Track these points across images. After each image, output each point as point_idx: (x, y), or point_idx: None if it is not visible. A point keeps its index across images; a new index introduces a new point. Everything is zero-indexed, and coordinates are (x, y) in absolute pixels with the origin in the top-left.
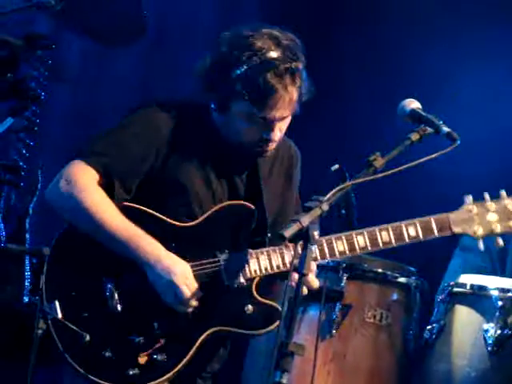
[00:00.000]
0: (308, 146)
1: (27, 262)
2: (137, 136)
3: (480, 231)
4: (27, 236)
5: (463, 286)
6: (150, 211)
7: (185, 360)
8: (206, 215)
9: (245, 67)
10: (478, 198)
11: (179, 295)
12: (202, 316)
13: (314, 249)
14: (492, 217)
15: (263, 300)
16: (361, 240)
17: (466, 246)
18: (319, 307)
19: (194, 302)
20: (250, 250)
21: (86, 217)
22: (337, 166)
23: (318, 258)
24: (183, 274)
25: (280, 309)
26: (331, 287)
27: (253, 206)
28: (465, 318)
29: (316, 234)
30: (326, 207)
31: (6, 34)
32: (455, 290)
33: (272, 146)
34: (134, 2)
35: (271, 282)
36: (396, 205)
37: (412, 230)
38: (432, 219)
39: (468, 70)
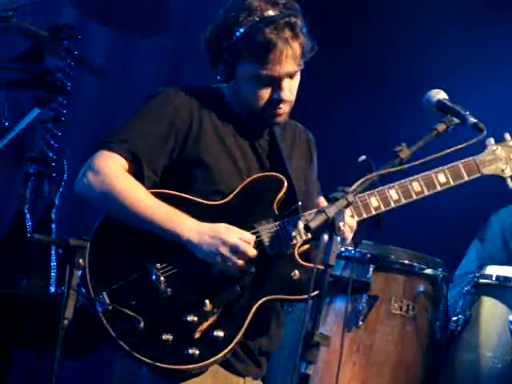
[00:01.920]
0: (333, 137)
1: (53, 252)
2: (157, 118)
3: (508, 170)
4: (53, 226)
5: (489, 277)
6: (179, 194)
7: (241, 333)
8: (236, 190)
9: (243, 28)
10: (500, 140)
11: (235, 248)
12: (252, 288)
13: (340, 240)
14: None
15: (307, 264)
16: (393, 193)
17: (483, 237)
18: (346, 298)
19: (251, 250)
20: (287, 218)
21: (119, 204)
22: (363, 157)
23: (355, 216)
24: (228, 229)
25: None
26: (357, 278)
27: (281, 176)
28: (490, 309)
29: (341, 224)
30: (351, 198)
31: (31, 25)
32: (481, 281)
33: (284, 107)
34: None
35: (311, 246)
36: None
37: (442, 177)
38: (460, 164)
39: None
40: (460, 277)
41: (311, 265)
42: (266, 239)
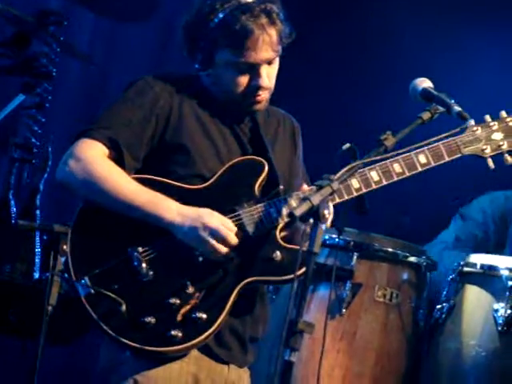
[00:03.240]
0: (318, 125)
1: (37, 238)
2: (137, 105)
3: (488, 150)
4: (37, 212)
5: (473, 265)
6: (160, 179)
7: (223, 315)
8: (217, 174)
9: (220, 15)
10: (480, 122)
11: (216, 234)
12: (233, 269)
13: (324, 228)
14: (497, 135)
15: (289, 245)
16: (374, 174)
17: (463, 215)
18: (329, 286)
19: (235, 238)
20: (268, 201)
21: (101, 190)
22: (348, 145)
23: (336, 198)
24: (211, 214)
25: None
26: (341, 266)
27: (262, 159)
28: (475, 297)
29: (326, 212)
30: (336, 186)
31: (17, 11)
32: (465, 269)
33: (264, 94)
34: None
35: (292, 228)
36: (406, 183)
37: (423, 158)
38: (440, 144)
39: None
40: (434, 244)
41: (293, 246)
42: (247, 221)
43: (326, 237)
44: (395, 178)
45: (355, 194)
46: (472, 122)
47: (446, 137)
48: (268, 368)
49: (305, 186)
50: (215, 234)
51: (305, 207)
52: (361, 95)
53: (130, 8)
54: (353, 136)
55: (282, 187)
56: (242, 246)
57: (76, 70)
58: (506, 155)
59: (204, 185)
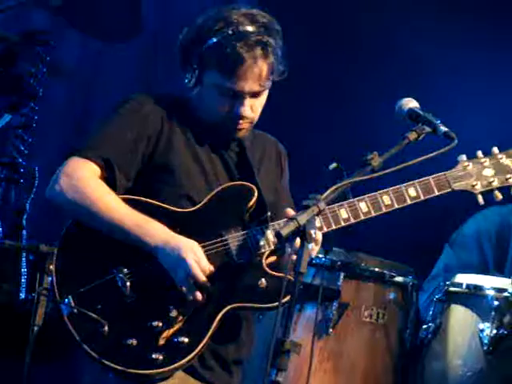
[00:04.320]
0: (306, 144)
1: (24, 258)
2: (128, 124)
3: (478, 186)
4: (24, 232)
5: (459, 285)
6: (150, 201)
7: (205, 340)
8: (207, 198)
9: (217, 37)
10: (472, 157)
11: (188, 270)
12: (218, 295)
13: (311, 247)
14: (488, 172)
15: (275, 273)
16: (363, 206)
17: (454, 242)
18: (316, 306)
19: (203, 279)
20: (256, 227)
21: (90, 210)
22: (334, 165)
23: (324, 227)
24: (191, 250)
25: (292, 279)
26: (328, 286)
27: (252, 185)
28: (461, 317)
29: (313, 232)
30: (323, 206)
31: (3, 30)
32: (451, 289)
33: (244, 124)
34: None
35: (279, 255)
36: None
37: (412, 191)
38: (430, 178)
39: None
40: (428, 281)
41: (278, 274)
42: (233, 247)
43: (313, 256)
44: (384, 210)
45: (343, 223)
46: (464, 157)
47: (433, 156)
48: None
49: (289, 209)
50: (186, 268)
51: (291, 227)
52: (348, 114)
53: (116, 29)
54: (339, 155)
55: (269, 213)
56: (228, 272)
57: (62, 90)
58: (496, 192)
59: (193, 208)
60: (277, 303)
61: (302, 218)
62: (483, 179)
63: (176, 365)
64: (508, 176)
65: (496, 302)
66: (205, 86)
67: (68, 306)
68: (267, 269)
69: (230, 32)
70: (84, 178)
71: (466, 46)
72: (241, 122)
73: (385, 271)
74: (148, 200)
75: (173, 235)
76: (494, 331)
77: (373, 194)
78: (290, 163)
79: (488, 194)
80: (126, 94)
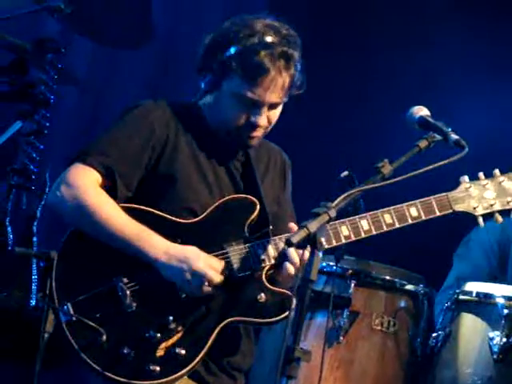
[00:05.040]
0: (317, 152)
1: (34, 265)
2: (133, 133)
3: (480, 209)
4: (34, 239)
5: (469, 293)
6: (151, 210)
7: (203, 352)
8: (208, 210)
9: (241, 45)
10: (473, 178)
11: (203, 277)
12: (217, 308)
13: (321, 255)
14: (489, 194)
15: (274, 288)
16: (364, 224)
17: (461, 254)
18: (327, 314)
19: (218, 278)
20: (257, 241)
21: (90, 219)
22: (346, 173)
23: (325, 244)
24: (198, 257)
25: (292, 295)
26: (339, 294)
27: (254, 199)
28: (470, 325)
29: (323, 240)
30: (333, 213)
31: (15, 38)
32: (461, 297)
33: (258, 133)
34: (143, 6)
35: (279, 270)
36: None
37: (414, 211)
38: (432, 199)
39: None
40: (441, 293)
41: (278, 289)
42: (234, 261)
43: (324, 264)
44: (385, 229)
45: (344, 241)
46: (466, 178)
47: (444, 164)
48: None
49: (293, 226)
50: (201, 276)
51: (302, 234)
52: (359, 122)
53: (127, 36)
54: (351, 163)
55: (271, 227)
56: (227, 285)
57: (74, 97)
58: (497, 215)
59: (194, 220)
60: (275, 318)
61: (313, 226)
62: (484, 201)
63: (173, 377)
64: (509, 199)
65: (506, 311)
66: (223, 93)
67: (67, 313)
68: (267, 283)
69: (255, 41)
70: (84, 185)
71: (478, 57)
72: (256, 131)
73: (396, 279)
74: (149, 209)
75: (174, 246)
76: (504, 339)
77: (374, 212)
78: (299, 173)
79: (489, 216)
80: (134, 101)
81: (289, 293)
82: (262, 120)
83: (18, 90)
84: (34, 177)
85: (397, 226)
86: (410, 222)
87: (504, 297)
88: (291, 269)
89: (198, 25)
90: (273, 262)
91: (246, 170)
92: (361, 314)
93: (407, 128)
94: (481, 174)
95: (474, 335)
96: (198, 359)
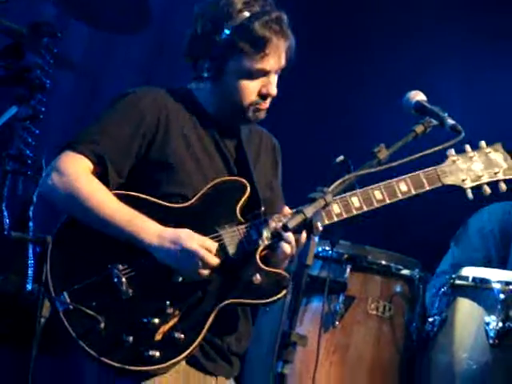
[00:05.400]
0: (313, 137)
1: (30, 250)
2: (124, 120)
3: (468, 181)
4: (30, 224)
5: (465, 278)
6: (144, 196)
7: (201, 335)
8: (200, 194)
9: (236, 23)
10: (460, 151)
11: (193, 256)
12: (213, 291)
13: (317, 240)
14: (477, 166)
15: (269, 268)
16: (355, 201)
17: (458, 240)
18: (322, 298)
19: (216, 260)
20: (250, 223)
21: (82, 206)
22: (341, 158)
23: (320, 228)
24: (190, 238)
25: (287, 275)
26: (334, 278)
27: (245, 180)
28: (466, 310)
29: (319, 225)
30: (329, 198)
31: (10, 22)
32: (457, 282)
33: (267, 104)
34: None
35: (273, 251)
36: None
37: (403, 186)
38: (420, 173)
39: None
40: (434, 278)
41: (273, 269)
42: (228, 243)
43: (320, 249)
44: (376, 205)
45: (336, 218)
46: (452, 151)
47: (440, 149)
48: (261, 379)
49: (286, 209)
50: (195, 256)
51: (298, 219)
52: (355, 107)
53: (124, 21)
54: (346, 148)
55: (263, 209)
56: (222, 268)
57: (70, 82)
58: (485, 186)
59: (186, 204)
60: (271, 299)
61: (309, 211)
62: (472, 174)
63: (173, 361)
64: (496, 170)
65: (502, 296)
66: (230, 74)
67: (63, 302)
68: (261, 264)
69: (248, 13)
70: (76, 173)
71: (472, 47)
72: (265, 102)
73: (391, 264)
74: (141, 195)
75: (166, 229)
76: (500, 324)
77: (364, 188)
78: (294, 160)
79: (477, 189)
80: (134, 86)
81: (283, 273)
82: (274, 88)
83: (13, 74)
84: (29, 162)
85: (387, 201)
86: (400, 197)
87: (500, 282)
88: (287, 248)
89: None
90: (266, 243)
91: (239, 153)
92: (356, 299)
93: (401, 113)
94: (467, 147)
95: (470, 320)
96: (196, 342)
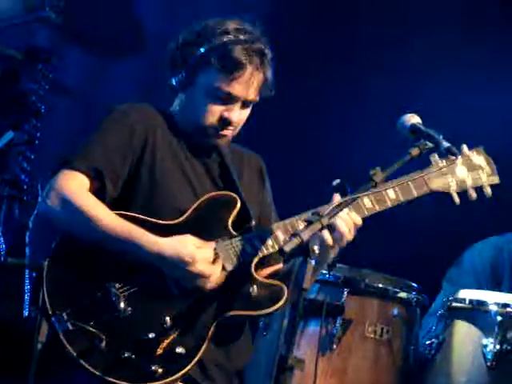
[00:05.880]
0: (309, 160)
1: (27, 275)
2: (115, 134)
3: (454, 185)
4: (27, 250)
5: (462, 300)
6: (136, 215)
7: (202, 349)
8: (190, 209)
9: (218, 41)
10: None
11: (194, 258)
12: (211, 304)
13: (314, 263)
14: (461, 170)
15: (265, 280)
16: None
17: (451, 278)
18: (320, 322)
19: (217, 268)
20: (243, 236)
21: (82, 222)
22: (338, 181)
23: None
24: (186, 240)
25: (283, 285)
26: (332, 302)
27: (234, 194)
28: (464, 333)
29: (316, 248)
30: (326, 221)
31: (6, 47)
32: (454, 304)
33: (228, 131)
34: (135, 15)
35: (267, 262)
36: (397, 218)
37: (392, 193)
38: (408, 180)
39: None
40: (427, 317)
41: (268, 281)
42: (223, 257)
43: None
44: (366, 213)
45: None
46: (436, 156)
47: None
48: None
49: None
50: (193, 257)
51: (295, 242)
52: (350, 130)
53: (118, 45)
54: (343, 171)
55: (253, 222)
56: (220, 281)
57: (65, 107)
58: (471, 191)
59: (178, 220)
60: (270, 309)
61: (306, 234)
62: (457, 178)
63: (176, 376)
64: (480, 174)
65: (499, 318)
66: (197, 87)
67: (62, 322)
68: (257, 276)
69: (233, 37)
70: (73, 190)
71: (460, 62)
72: (228, 127)
73: (388, 287)
74: (132, 214)
75: (165, 239)
76: (498, 347)
77: (353, 197)
78: (284, 180)
79: (463, 193)
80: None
81: (279, 283)
82: (235, 116)
83: (9, 100)
84: (25, 187)
85: (377, 209)
86: (389, 204)
87: (497, 304)
88: (344, 227)
89: None
90: (260, 255)
91: (222, 169)
92: (354, 322)
93: (392, 132)
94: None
95: (467, 342)
96: (198, 356)
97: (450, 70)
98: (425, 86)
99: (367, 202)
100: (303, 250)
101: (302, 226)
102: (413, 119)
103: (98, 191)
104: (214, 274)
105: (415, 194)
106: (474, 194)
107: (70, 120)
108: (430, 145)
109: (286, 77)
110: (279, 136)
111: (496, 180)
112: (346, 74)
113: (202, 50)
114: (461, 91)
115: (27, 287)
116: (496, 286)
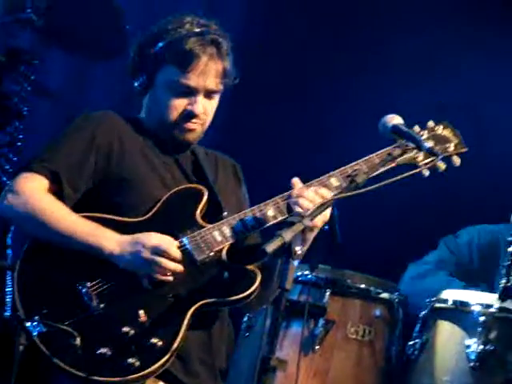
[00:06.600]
0: (290, 159)
1: (9, 277)
2: (77, 138)
3: (421, 157)
4: (9, 251)
5: (445, 301)
6: (102, 215)
7: (178, 339)
8: (157, 206)
9: (171, 36)
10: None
11: (158, 251)
12: (184, 294)
13: (296, 264)
14: (428, 144)
15: (237, 265)
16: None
17: (449, 246)
18: (302, 323)
19: (174, 251)
20: (212, 224)
21: (40, 223)
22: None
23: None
24: (148, 236)
25: (255, 269)
26: (314, 303)
27: (201, 186)
28: (447, 333)
29: (298, 249)
30: (308, 222)
31: None
32: (437, 305)
33: (195, 125)
34: (116, 17)
35: (240, 246)
36: (379, 219)
37: (358, 166)
38: (374, 156)
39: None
40: (414, 264)
41: (240, 265)
42: (192, 247)
43: (299, 273)
44: (334, 192)
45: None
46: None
47: (417, 172)
48: None
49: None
50: (157, 250)
51: (277, 243)
52: (332, 127)
53: (100, 47)
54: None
55: (225, 213)
56: (191, 271)
57: (47, 109)
58: (440, 162)
59: (145, 217)
60: (243, 294)
61: (288, 235)
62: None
63: (152, 368)
64: (447, 145)
65: (482, 318)
66: (157, 86)
67: (36, 325)
68: (227, 261)
69: (185, 31)
70: (31, 191)
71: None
72: (193, 121)
73: (371, 288)
74: (99, 215)
75: (126, 236)
76: (481, 347)
77: (321, 177)
78: (278, 177)
79: (432, 166)
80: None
81: (253, 267)
82: (198, 107)
83: None
84: None
85: (344, 185)
86: (358, 181)
87: (480, 304)
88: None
89: None
90: (230, 241)
91: (195, 166)
92: (336, 323)
93: (374, 132)
94: (416, 127)
95: (450, 343)
96: (174, 347)
97: (444, 70)
98: (419, 86)
99: (334, 181)
100: (285, 250)
101: (270, 210)
102: (394, 120)
103: (57, 192)
104: (173, 263)
105: (381, 169)
106: (443, 166)
107: (52, 122)
108: (412, 145)
109: (279, 77)
110: (269, 136)
111: (464, 149)
112: (344, 74)
113: (156, 49)
114: (461, 91)
115: (9, 289)
116: (490, 266)
